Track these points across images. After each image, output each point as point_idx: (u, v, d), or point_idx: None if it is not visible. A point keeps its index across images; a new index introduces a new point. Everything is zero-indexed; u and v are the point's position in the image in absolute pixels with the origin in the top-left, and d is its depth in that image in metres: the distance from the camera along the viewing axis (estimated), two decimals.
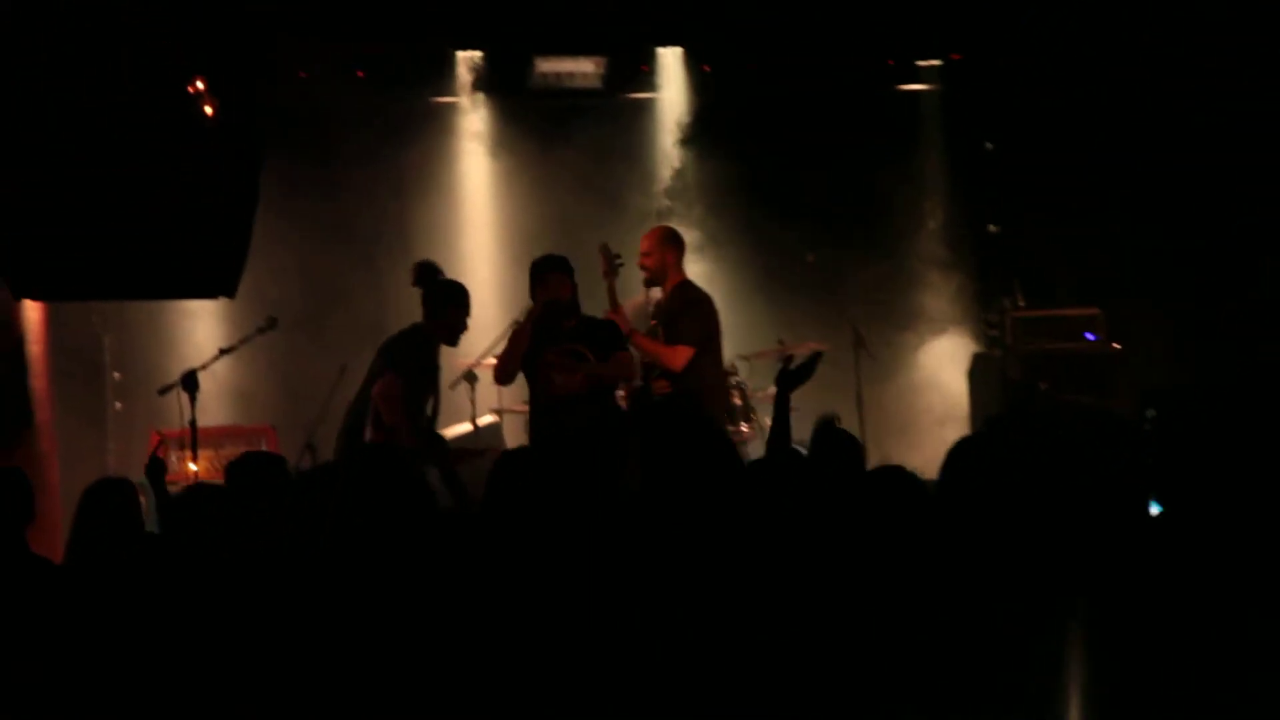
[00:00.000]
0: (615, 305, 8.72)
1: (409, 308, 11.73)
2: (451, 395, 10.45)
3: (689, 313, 8.70)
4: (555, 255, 8.71)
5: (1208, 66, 11.16)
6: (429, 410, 8.73)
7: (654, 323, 8.88)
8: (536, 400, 8.55)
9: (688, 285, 8.87)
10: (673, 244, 8.87)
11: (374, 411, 8.45)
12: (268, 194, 10.63)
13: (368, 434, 8.43)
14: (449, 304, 8.72)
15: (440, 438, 8.88)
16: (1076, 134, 12.10)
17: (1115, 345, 11.66)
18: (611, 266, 8.73)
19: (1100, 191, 12.01)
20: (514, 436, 10.99)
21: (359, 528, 4.84)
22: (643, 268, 8.86)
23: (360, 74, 12.23)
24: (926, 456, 6.84)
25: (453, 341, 8.91)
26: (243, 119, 10.65)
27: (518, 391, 11.03)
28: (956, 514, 5.12)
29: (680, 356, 8.58)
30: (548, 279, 8.50)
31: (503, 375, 8.58)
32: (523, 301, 9.04)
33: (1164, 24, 11.38)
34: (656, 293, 9.11)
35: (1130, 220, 11.92)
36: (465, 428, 10.39)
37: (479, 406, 10.38)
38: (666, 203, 12.61)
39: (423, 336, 8.75)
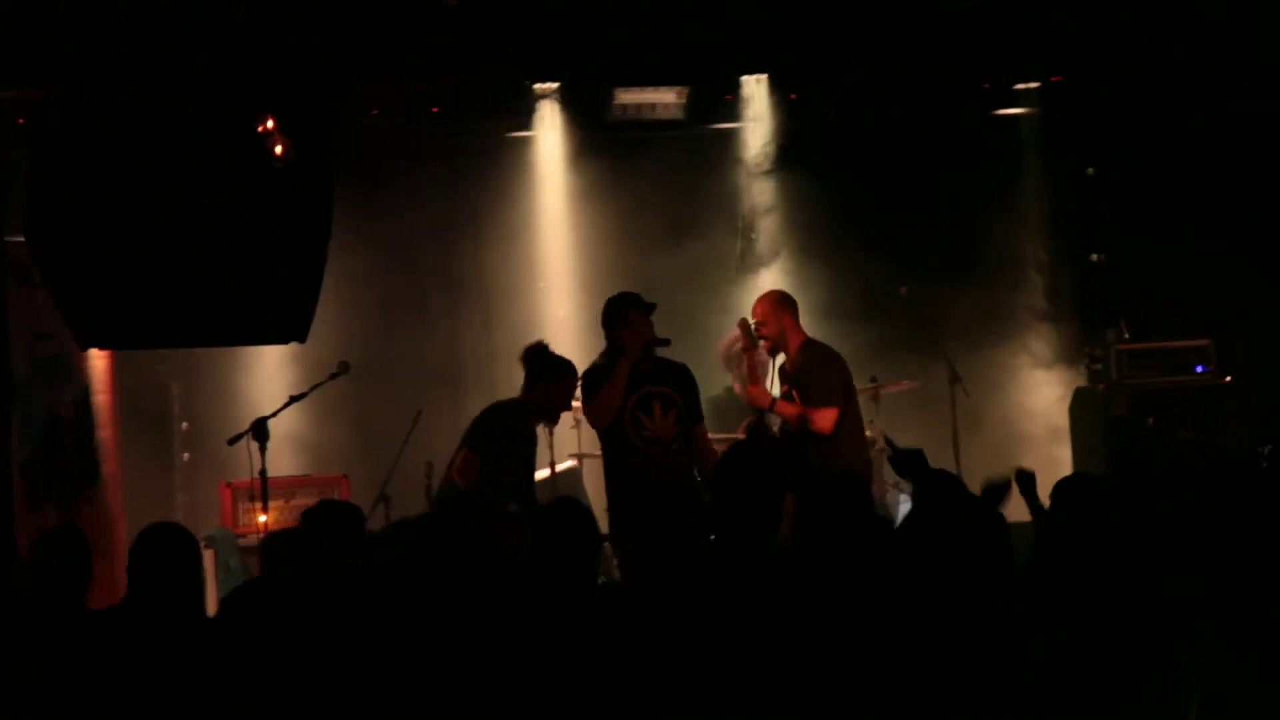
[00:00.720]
0: (755, 379, 8.58)
1: (485, 350, 11.51)
2: None
3: (822, 371, 8.52)
4: (632, 293, 8.52)
5: None
6: (518, 488, 8.59)
7: (785, 387, 8.66)
8: (620, 447, 8.32)
9: (813, 345, 8.70)
10: (786, 306, 8.71)
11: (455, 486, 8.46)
12: (339, 234, 10.48)
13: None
14: (546, 380, 8.60)
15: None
16: (1183, 158, 11.76)
17: (1227, 378, 11.32)
18: (752, 340, 8.56)
19: (1209, 217, 11.68)
20: (593, 481, 10.75)
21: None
22: (762, 338, 8.68)
23: (435, 109, 12.06)
24: None
25: (550, 420, 8.86)
26: (314, 158, 10.50)
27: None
28: (1062, 554, 5.12)
29: (828, 418, 8.38)
30: (631, 318, 8.33)
31: (605, 416, 8.30)
32: (602, 340, 8.79)
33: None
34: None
35: (1241, 247, 11.58)
36: (543, 473, 10.16)
37: (558, 452, 10.14)
38: (751, 237, 12.39)
39: (513, 412, 8.65)
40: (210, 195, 10.12)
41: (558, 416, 8.87)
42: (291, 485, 10.32)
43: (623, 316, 8.34)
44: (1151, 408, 11.35)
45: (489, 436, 8.52)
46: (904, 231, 12.11)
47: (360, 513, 6.24)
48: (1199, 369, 11.44)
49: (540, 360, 8.68)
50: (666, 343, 8.42)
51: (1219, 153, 11.58)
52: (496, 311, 12.20)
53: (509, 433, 8.58)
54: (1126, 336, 11.88)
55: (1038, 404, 12.41)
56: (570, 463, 10.71)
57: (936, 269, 12.01)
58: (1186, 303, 11.96)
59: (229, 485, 10.32)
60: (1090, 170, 12.46)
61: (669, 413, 8.28)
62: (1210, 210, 11.65)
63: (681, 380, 8.43)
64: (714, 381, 11.42)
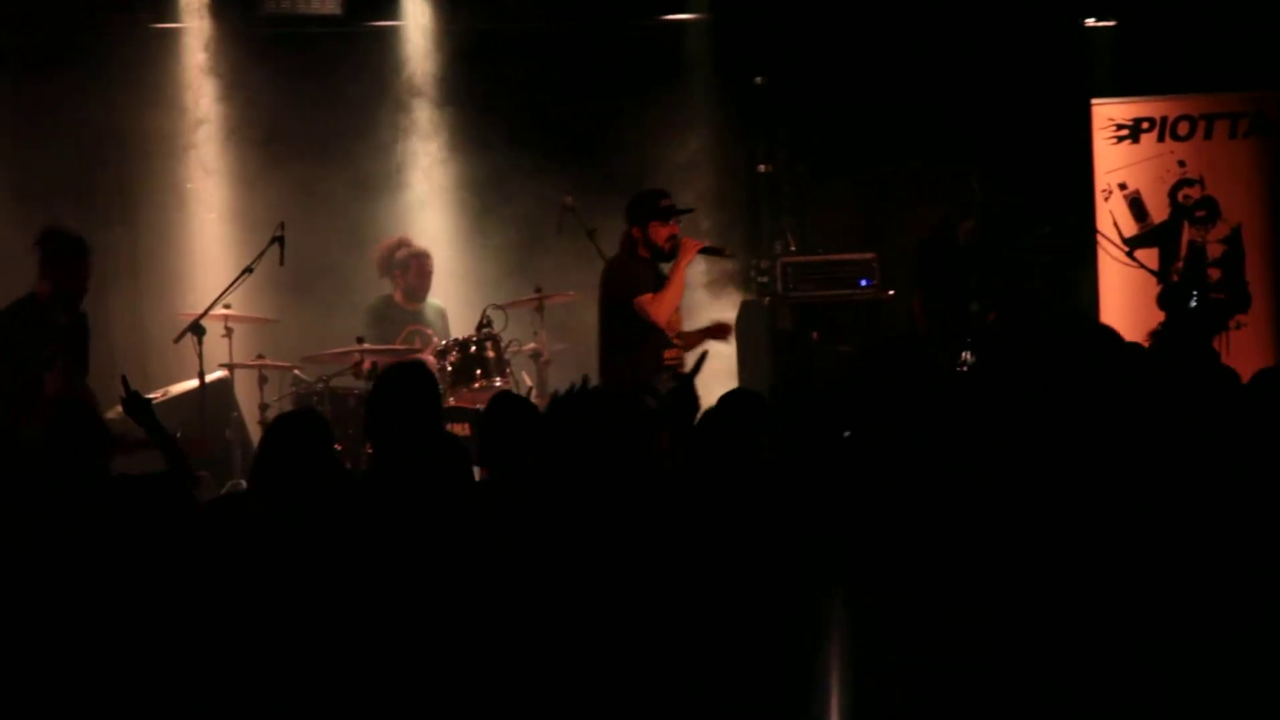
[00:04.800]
0: None
1: (130, 257, 11.50)
2: (177, 349, 10.36)
3: None
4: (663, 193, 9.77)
5: None
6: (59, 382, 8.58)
7: None
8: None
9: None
10: None
11: None
12: None
13: None
14: (60, 263, 8.69)
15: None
16: (856, 67, 12.28)
17: (889, 292, 11.85)
18: None
19: (879, 129, 12.24)
20: (244, 393, 10.94)
21: None
22: None
23: None
24: None
25: (72, 306, 8.78)
26: None
27: (250, 346, 10.96)
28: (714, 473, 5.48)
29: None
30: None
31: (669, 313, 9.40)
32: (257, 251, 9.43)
33: None
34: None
35: (913, 158, 12.17)
36: (192, 384, 10.33)
37: (208, 361, 10.26)
38: (411, 141, 12.55)
39: (29, 308, 8.65)
40: None
41: (78, 301, 8.86)
42: None
43: (656, 216, 9.39)
44: (815, 323, 11.87)
45: (9, 343, 8.54)
46: (569, 140, 12.38)
47: None
48: (863, 283, 11.87)
49: (54, 242, 8.72)
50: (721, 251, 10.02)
51: (893, 63, 12.19)
52: (141, 216, 12.16)
53: (22, 329, 8.60)
54: (793, 249, 12.39)
55: (704, 317, 12.77)
56: (221, 373, 10.83)
57: (603, 178, 12.27)
58: (856, 215, 12.55)
59: None
60: (760, 79, 12.87)
61: None
62: (882, 123, 12.22)
63: None
64: (371, 290, 11.66)
